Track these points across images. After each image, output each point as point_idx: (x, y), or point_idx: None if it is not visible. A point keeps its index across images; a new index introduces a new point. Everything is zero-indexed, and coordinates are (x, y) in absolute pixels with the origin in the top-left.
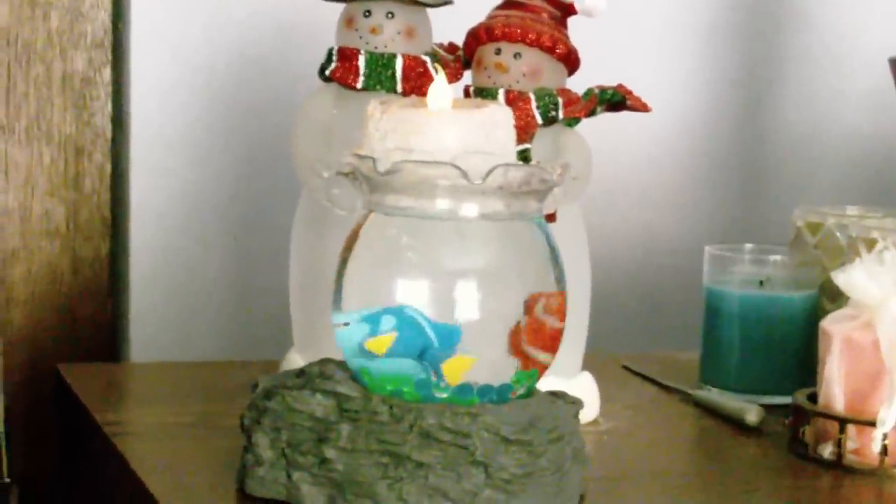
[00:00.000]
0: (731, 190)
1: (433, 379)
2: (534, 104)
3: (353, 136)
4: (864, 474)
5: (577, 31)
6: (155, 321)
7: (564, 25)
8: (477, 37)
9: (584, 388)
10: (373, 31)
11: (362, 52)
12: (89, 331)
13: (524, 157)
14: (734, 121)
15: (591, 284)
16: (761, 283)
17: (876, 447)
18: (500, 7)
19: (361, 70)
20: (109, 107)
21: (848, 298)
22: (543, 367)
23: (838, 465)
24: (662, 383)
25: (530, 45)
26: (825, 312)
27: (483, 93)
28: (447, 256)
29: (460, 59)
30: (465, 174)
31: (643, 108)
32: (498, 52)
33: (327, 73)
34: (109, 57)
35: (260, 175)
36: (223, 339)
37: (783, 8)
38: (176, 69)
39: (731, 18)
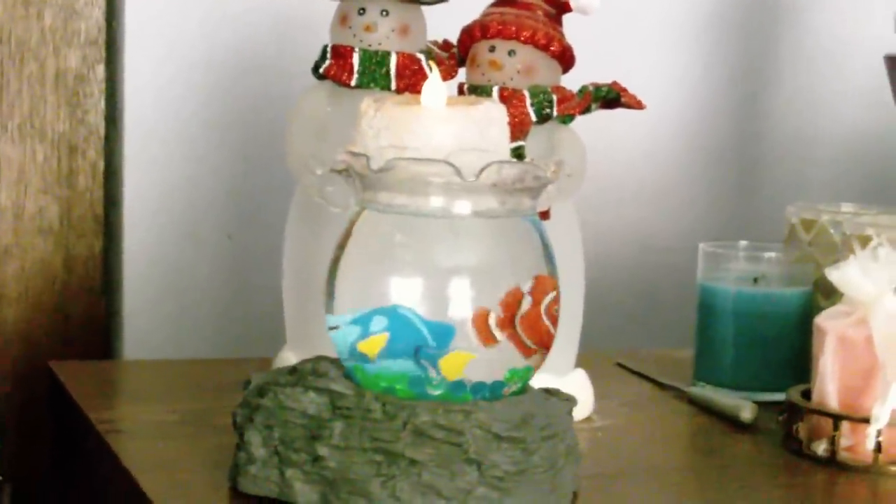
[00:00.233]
0: (726, 187)
1: (432, 376)
2: (528, 101)
3: (347, 133)
4: (858, 471)
5: (572, 28)
6: (148, 319)
7: (559, 23)
8: (471, 34)
9: (578, 386)
10: (367, 28)
11: (356, 49)
12: (82, 328)
13: (518, 154)
14: (729, 118)
15: (585, 281)
16: (755, 279)
17: (870, 444)
18: (494, 4)
19: (355, 67)
20: (103, 104)
21: (842, 295)
22: (537, 364)
23: (832, 462)
24: (656, 380)
25: (525, 42)
26: (819, 309)
27: (477, 90)
28: (441, 254)
29: (455, 56)
30: (458, 171)
31: (638, 105)
32: (492, 49)
33: (321, 70)
34: (103, 54)
35: (254, 173)
36: (216, 336)
37: (778, 5)
38: (170, 67)
39: (726, 15)
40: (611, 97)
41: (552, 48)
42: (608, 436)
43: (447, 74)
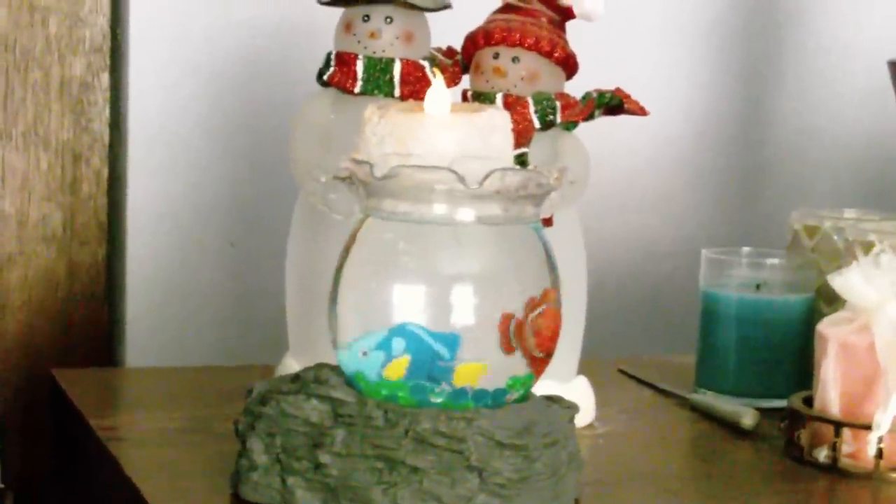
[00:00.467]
0: (728, 193)
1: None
2: (532, 108)
3: (350, 140)
4: (860, 478)
5: (575, 34)
6: (151, 326)
7: (563, 29)
8: (475, 41)
9: (580, 393)
10: (371, 35)
11: (360, 56)
12: (85, 336)
13: (522, 161)
14: (731, 124)
15: (587, 288)
16: (758, 286)
17: (871, 451)
18: (498, 11)
19: (359, 74)
20: (107, 112)
21: (844, 302)
22: (539, 371)
23: (834, 469)
24: (658, 387)
25: (528, 49)
26: (822, 316)
27: (481, 97)
28: (444, 261)
29: (458, 63)
30: (461, 179)
31: (641, 111)
32: (496, 56)
33: (325, 77)
34: (108, 62)
35: (257, 180)
36: (219, 343)
37: (781, 10)
38: (174, 74)
39: (728, 22)
40: (614, 104)
41: (556, 55)
42: (610, 442)
43: (451, 81)
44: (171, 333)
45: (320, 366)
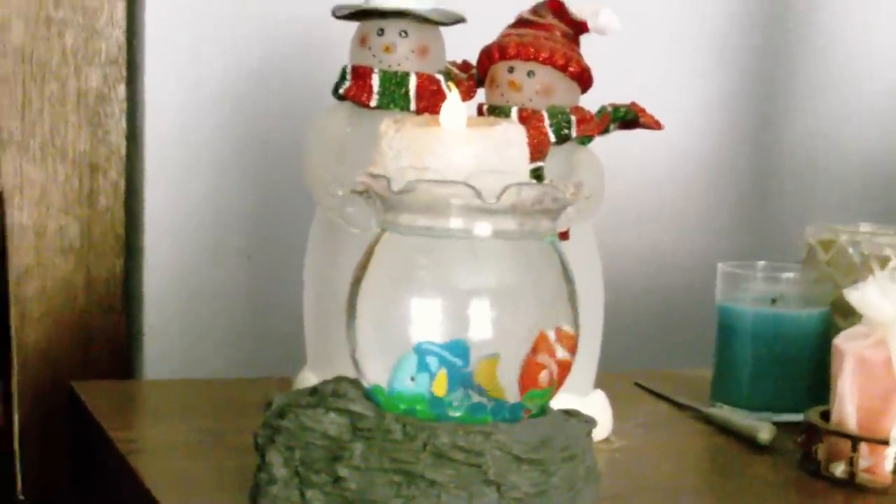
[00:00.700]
0: (744, 207)
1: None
2: (547, 122)
3: (366, 154)
4: (877, 493)
5: (590, 48)
6: (169, 338)
7: (577, 43)
8: (490, 55)
9: (599, 407)
10: (386, 49)
11: (376, 70)
12: (103, 348)
13: (537, 175)
14: (747, 138)
15: (604, 302)
16: (774, 300)
17: (888, 466)
18: (513, 25)
19: (375, 88)
20: (124, 123)
21: (861, 316)
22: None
23: (850, 484)
24: (675, 401)
25: (543, 63)
26: (838, 330)
27: (496, 111)
28: (460, 275)
29: (473, 77)
30: (478, 193)
31: (656, 125)
32: (511, 70)
33: (341, 91)
34: (124, 74)
35: (274, 192)
36: (237, 356)
37: (795, 27)
38: (190, 86)
39: (743, 37)
40: (629, 118)
41: (571, 69)
42: (626, 456)
43: (466, 95)
44: (188, 345)
45: (339, 379)
